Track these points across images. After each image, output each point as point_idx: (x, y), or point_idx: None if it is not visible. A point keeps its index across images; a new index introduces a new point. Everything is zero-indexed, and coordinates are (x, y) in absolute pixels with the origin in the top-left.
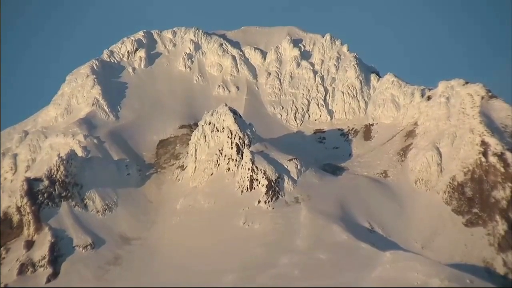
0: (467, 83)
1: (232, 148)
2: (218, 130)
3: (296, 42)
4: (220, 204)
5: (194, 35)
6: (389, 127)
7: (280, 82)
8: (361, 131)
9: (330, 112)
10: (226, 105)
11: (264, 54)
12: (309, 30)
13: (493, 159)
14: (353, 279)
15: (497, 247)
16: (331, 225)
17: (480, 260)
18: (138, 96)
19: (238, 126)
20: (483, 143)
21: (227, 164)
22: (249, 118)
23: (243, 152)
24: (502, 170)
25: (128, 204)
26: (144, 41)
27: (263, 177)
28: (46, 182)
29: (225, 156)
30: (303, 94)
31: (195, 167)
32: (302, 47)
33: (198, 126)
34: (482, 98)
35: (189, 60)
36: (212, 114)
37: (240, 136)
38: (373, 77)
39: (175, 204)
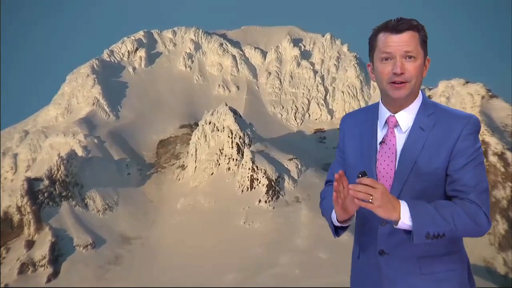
0: (467, 82)
1: (232, 147)
2: (218, 130)
3: (296, 42)
4: (221, 204)
5: (194, 35)
6: None
7: (280, 81)
8: None
9: (331, 112)
10: (226, 104)
11: (264, 54)
12: (309, 30)
13: (493, 159)
14: None
15: (497, 246)
16: None
17: (480, 260)
18: (138, 95)
19: (238, 125)
20: (483, 143)
21: (228, 163)
22: (249, 118)
23: (243, 152)
24: (502, 169)
25: (129, 203)
26: (144, 40)
27: (263, 176)
28: (46, 182)
29: (226, 155)
30: (303, 94)
31: (196, 167)
32: (302, 47)
33: (198, 125)
34: (483, 97)
35: (189, 59)
36: (212, 114)
37: (240, 136)
38: None
39: (175, 203)
